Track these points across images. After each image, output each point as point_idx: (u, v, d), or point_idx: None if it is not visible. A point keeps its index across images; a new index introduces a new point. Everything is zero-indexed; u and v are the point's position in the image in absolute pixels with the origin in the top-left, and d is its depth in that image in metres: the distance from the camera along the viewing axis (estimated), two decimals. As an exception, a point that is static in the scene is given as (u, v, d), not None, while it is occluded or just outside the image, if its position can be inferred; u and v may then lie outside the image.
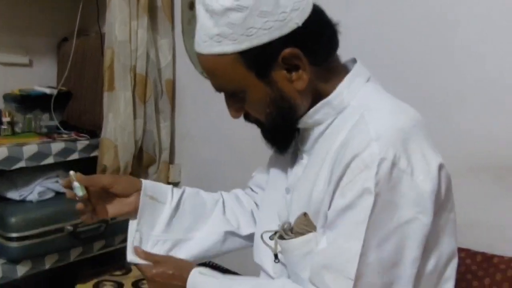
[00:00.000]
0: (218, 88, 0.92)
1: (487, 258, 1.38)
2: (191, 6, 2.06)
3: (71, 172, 1.05)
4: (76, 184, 1.03)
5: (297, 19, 0.83)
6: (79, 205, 1.06)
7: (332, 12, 0.93)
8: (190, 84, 2.15)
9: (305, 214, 0.89)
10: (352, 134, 0.83)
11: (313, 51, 0.86)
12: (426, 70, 1.52)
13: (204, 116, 2.11)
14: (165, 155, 2.16)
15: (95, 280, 1.83)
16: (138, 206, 1.07)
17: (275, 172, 1.08)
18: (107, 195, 1.08)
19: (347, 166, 0.80)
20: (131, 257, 1.08)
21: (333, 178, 0.83)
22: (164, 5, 2.10)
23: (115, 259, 2.20)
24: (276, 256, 0.96)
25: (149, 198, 1.09)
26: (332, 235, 0.82)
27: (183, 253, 1.11)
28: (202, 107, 2.11)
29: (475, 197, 1.46)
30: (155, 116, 2.11)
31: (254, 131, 1.02)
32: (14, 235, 1.73)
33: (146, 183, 1.10)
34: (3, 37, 2.16)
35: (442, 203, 0.84)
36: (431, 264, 0.86)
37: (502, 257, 1.37)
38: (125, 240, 2.11)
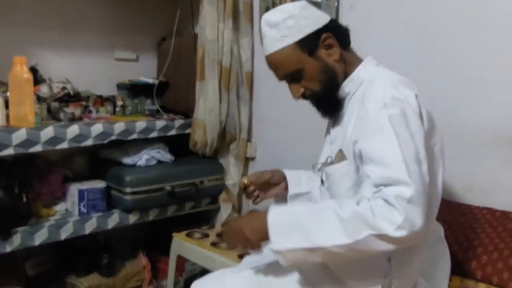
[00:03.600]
0: (283, 76, 1.37)
1: (505, 214, 1.68)
2: (267, 10, 2.46)
3: (245, 179, 1.58)
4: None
5: (323, 18, 1.33)
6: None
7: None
8: (265, 76, 2.50)
9: (340, 150, 1.33)
10: (365, 92, 1.29)
11: (338, 35, 1.33)
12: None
13: (277, 103, 2.49)
14: (244, 134, 2.57)
15: (187, 231, 2.27)
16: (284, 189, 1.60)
17: (326, 137, 1.51)
18: (266, 185, 1.60)
19: (366, 109, 1.24)
20: None
21: (357, 122, 1.27)
22: (245, 10, 2.51)
23: (201, 219, 2.66)
24: (322, 181, 1.41)
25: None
26: (369, 152, 1.20)
27: None
28: (275, 96, 2.49)
29: (496, 163, 1.75)
30: (237, 101, 2.52)
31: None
32: (128, 190, 2.21)
33: (287, 174, 1.62)
34: (117, 39, 2.68)
35: (428, 129, 1.25)
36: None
37: (518, 213, 1.67)
38: (210, 203, 2.58)
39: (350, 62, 1.37)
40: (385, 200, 1.11)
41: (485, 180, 1.76)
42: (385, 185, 1.14)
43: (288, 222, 1.21)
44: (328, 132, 1.49)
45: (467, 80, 1.80)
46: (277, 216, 1.23)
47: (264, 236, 1.23)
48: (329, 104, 1.37)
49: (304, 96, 1.38)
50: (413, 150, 1.16)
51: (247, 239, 1.27)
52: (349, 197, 1.26)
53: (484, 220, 1.66)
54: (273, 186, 1.60)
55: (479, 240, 1.58)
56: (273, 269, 1.37)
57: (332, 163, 1.35)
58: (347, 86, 1.36)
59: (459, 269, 1.52)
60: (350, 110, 1.34)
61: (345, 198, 1.22)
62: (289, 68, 1.34)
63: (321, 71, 1.33)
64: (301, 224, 1.19)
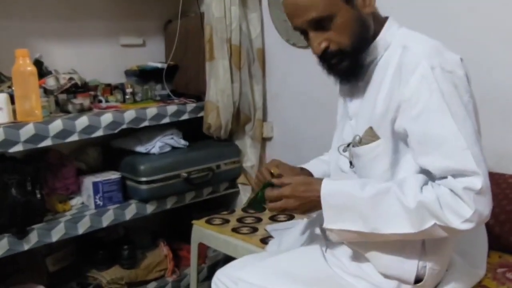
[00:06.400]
0: (308, 21, 1.13)
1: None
2: (275, -18, 2.35)
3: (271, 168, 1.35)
4: None
5: None
6: None
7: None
8: (277, 51, 2.44)
9: (370, 127, 1.18)
10: (402, 60, 1.12)
11: None
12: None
13: (290, 78, 2.41)
14: (258, 114, 2.48)
15: (206, 218, 2.21)
16: None
17: (340, 111, 1.38)
18: None
19: (406, 82, 1.09)
20: None
21: (394, 96, 1.11)
22: (252, -17, 2.40)
23: (220, 204, 2.60)
24: (351, 162, 1.26)
25: None
26: (423, 137, 1.08)
27: None
28: (288, 71, 2.41)
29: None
30: (249, 80, 2.43)
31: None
32: (143, 179, 2.15)
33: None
34: (121, 25, 2.59)
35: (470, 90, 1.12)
36: None
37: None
38: (228, 187, 2.52)
39: (377, 20, 1.20)
40: (452, 191, 1.03)
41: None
42: (452, 176, 1.04)
43: (343, 204, 1.13)
44: (344, 103, 1.33)
45: (499, 40, 1.68)
46: (331, 197, 1.14)
47: (316, 210, 1.18)
48: (352, 66, 1.18)
49: (325, 51, 1.16)
50: (471, 127, 1.06)
51: (295, 210, 1.20)
52: (386, 180, 1.15)
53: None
54: None
55: (517, 211, 1.48)
56: (295, 257, 1.30)
57: (361, 142, 1.20)
58: (372, 52, 1.19)
59: (497, 243, 1.43)
60: (376, 80, 1.19)
61: (406, 180, 1.10)
62: (318, 13, 1.11)
63: (355, 21, 1.13)
64: (358, 207, 1.11)
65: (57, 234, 1.95)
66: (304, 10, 1.13)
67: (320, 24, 1.14)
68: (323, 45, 1.15)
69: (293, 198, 1.18)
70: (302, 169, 1.44)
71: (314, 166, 1.46)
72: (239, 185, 2.55)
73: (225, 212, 2.27)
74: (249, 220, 2.15)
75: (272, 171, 1.32)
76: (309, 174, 1.42)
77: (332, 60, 1.18)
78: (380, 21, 1.21)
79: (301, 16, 1.14)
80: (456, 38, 1.70)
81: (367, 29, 1.17)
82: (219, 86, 2.34)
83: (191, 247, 2.22)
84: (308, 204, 1.18)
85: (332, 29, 1.14)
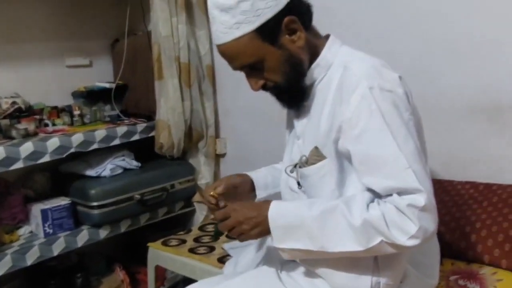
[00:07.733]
0: (240, 67, 1.19)
1: (488, 187, 1.62)
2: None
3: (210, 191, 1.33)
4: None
5: None
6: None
7: None
8: (227, 68, 2.38)
9: (316, 147, 1.18)
10: (342, 80, 1.13)
11: (302, 16, 1.15)
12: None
13: (242, 94, 2.39)
14: (211, 131, 2.47)
15: (162, 239, 2.16)
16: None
17: (288, 131, 1.38)
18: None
19: (347, 102, 1.09)
20: None
21: (336, 116, 1.12)
22: (199, 1, 2.37)
23: (176, 224, 2.56)
24: (298, 183, 1.25)
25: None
26: (365, 157, 1.08)
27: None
28: (239, 87, 2.39)
29: (475, 137, 1.70)
30: (200, 97, 2.41)
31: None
32: (94, 204, 2.09)
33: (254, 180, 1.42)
34: (66, 45, 2.53)
35: (412, 108, 1.14)
36: None
37: (500, 184, 1.61)
38: (184, 207, 2.48)
39: (314, 44, 1.20)
40: (397, 207, 1.03)
41: (465, 153, 1.70)
42: (397, 193, 1.05)
43: (291, 223, 1.13)
44: (291, 125, 1.33)
45: (441, 50, 1.73)
46: (279, 217, 1.14)
47: (265, 234, 1.17)
48: (294, 95, 1.21)
49: (264, 87, 1.21)
50: (412, 145, 1.06)
51: (246, 235, 1.18)
52: (335, 199, 1.15)
53: (468, 195, 1.60)
54: (241, 194, 1.42)
55: (466, 218, 1.52)
56: (250, 280, 1.28)
57: (308, 163, 1.20)
58: (314, 73, 1.20)
59: (448, 251, 1.46)
60: (320, 99, 1.19)
61: (354, 197, 1.11)
62: (247, 60, 1.14)
63: (284, 62, 1.15)
64: (305, 226, 1.11)
65: (3, 267, 1.87)
66: (233, 59, 1.17)
67: (253, 67, 1.17)
68: (260, 83, 1.20)
69: (241, 212, 1.17)
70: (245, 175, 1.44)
71: (260, 174, 1.46)
72: (195, 204, 2.52)
73: (181, 232, 2.23)
74: (205, 239, 2.11)
75: (212, 194, 1.30)
76: (249, 180, 1.42)
77: (272, 93, 1.22)
78: (320, 43, 1.22)
79: (233, 63, 1.18)
80: (401, 49, 1.76)
81: (300, 63, 1.18)
82: (170, 105, 2.31)
83: (148, 271, 2.16)
84: (254, 220, 1.16)
85: (265, 70, 1.17)
